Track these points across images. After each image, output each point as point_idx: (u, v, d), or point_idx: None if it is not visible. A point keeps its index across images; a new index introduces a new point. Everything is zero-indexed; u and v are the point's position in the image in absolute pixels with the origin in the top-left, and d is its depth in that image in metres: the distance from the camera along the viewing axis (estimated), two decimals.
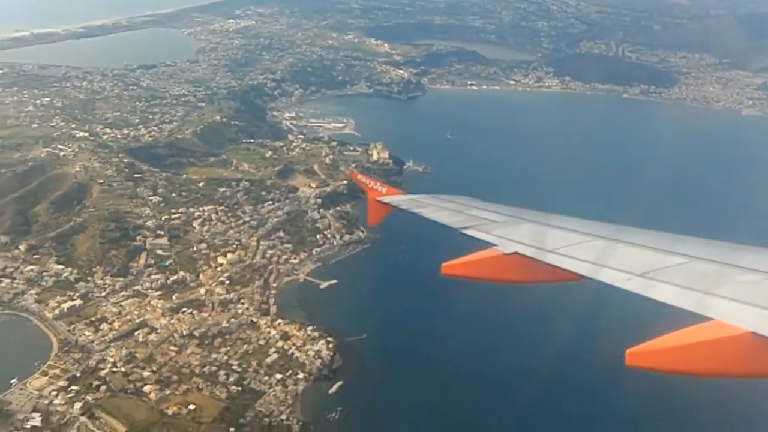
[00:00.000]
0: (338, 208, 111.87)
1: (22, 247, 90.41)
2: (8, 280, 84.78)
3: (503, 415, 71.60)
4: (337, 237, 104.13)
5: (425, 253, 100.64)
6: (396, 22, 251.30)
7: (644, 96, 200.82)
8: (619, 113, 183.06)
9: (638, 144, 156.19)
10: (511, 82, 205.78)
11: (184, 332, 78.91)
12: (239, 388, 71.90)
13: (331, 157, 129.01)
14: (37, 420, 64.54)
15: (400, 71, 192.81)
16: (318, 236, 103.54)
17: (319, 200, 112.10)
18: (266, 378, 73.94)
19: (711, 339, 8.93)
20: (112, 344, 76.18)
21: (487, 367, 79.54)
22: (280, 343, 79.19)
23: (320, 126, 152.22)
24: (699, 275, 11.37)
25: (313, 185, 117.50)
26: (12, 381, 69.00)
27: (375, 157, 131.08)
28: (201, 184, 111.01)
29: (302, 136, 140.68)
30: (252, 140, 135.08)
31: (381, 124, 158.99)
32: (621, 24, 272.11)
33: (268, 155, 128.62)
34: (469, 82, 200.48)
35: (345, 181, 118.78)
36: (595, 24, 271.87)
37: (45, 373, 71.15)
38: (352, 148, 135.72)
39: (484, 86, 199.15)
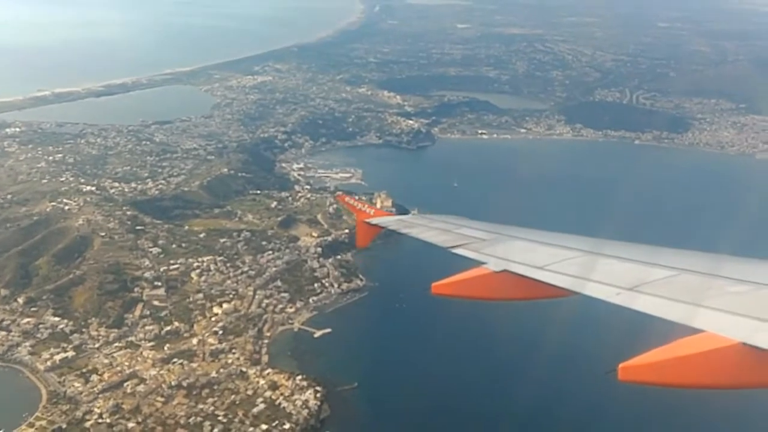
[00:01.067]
0: (338, 257, 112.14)
1: (20, 300, 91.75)
2: (4, 333, 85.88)
3: None
4: (335, 285, 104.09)
5: (424, 302, 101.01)
6: (410, 74, 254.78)
7: (657, 142, 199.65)
8: (628, 158, 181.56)
9: (644, 185, 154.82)
10: (522, 130, 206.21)
11: (173, 383, 78.78)
12: None
13: (334, 206, 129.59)
14: None
15: (410, 122, 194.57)
16: (316, 285, 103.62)
17: (319, 249, 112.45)
18: (251, 429, 73.29)
19: (703, 351, 8.97)
20: (100, 395, 76.35)
21: (484, 409, 78.55)
22: (268, 393, 78.62)
23: (327, 176, 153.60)
24: (688, 287, 11.42)
25: (315, 234, 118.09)
26: None
27: (379, 205, 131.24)
28: (202, 235, 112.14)
29: (308, 187, 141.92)
30: (258, 191, 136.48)
31: (389, 173, 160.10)
32: (636, 72, 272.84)
33: (272, 206, 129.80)
34: (479, 131, 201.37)
35: (347, 230, 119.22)
36: (609, 72, 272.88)
37: (32, 425, 71.50)
38: (357, 198, 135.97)
39: (495, 135, 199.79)
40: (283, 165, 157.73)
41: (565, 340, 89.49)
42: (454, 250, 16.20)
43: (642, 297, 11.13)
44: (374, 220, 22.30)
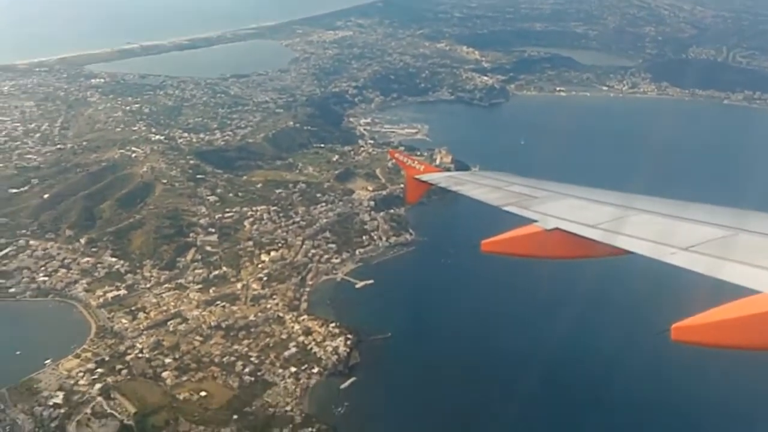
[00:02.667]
0: (391, 211, 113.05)
1: (82, 240, 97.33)
2: (64, 270, 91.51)
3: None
4: (383, 239, 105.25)
5: (471, 259, 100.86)
6: (492, 29, 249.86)
7: (747, 102, 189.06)
8: (712, 118, 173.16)
9: (724, 147, 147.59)
10: (604, 88, 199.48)
11: (212, 324, 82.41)
12: (252, 379, 74.33)
13: (393, 161, 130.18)
14: (59, 398, 69.50)
15: (485, 78, 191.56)
16: (364, 237, 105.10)
17: (372, 203, 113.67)
18: (280, 370, 75.98)
19: (760, 312, 8.76)
20: (144, 332, 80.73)
21: (518, 369, 77.90)
22: (301, 338, 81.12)
23: (393, 132, 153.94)
24: (744, 247, 11.28)
25: (370, 188, 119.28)
26: (46, 361, 74.50)
27: (438, 161, 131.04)
28: (259, 186, 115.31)
29: (372, 142, 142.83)
30: (322, 145, 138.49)
31: (456, 130, 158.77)
32: (737, 28, 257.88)
33: (333, 159, 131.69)
34: (557, 88, 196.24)
35: (401, 185, 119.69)
36: (707, 28, 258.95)
37: (78, 356, 76.29)
38: (418, 153, 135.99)
39: (574, 92, 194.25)
40: (351, 120, 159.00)
41: (613, 299, 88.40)
42: (505, 208, 16.15)
43: (697, 257, 11.05)
44: (424, 177, 22.11)
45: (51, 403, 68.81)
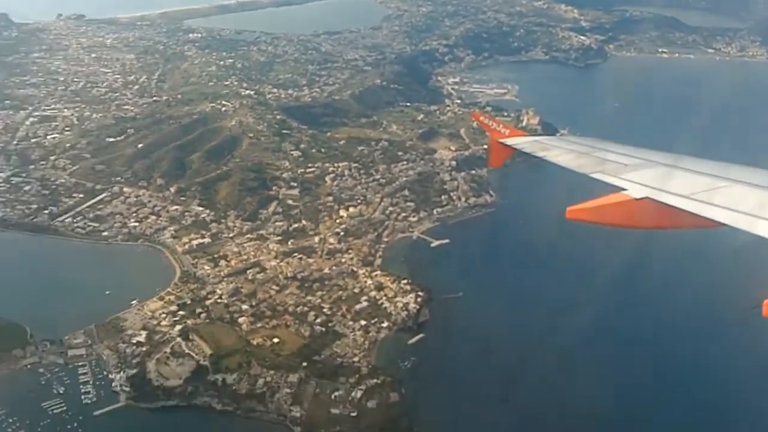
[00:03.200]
0: (472, 171, 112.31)
1: (172, 189, 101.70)
2: (154, 217, 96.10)
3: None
4: (463, 199, 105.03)
5: (551, 224, 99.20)
6: None
7: None
8: None
9: None
10: (710, 50, 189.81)
11: (289, 274, 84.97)
12: (323, 329, 76.61)
13: (478, 123, 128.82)
14: (141, 337, 73.77)
15: (583, 38, 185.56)
16: (443, 197, 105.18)
17: (454, 163, 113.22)
18: (351, 323, 77.93)
19: None
20: (224, 279, 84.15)
21: (590, 341, 76.61)
22: (373, 293, 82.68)
23: (481, 92, 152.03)
24: None
25: (453, 148, 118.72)
26: (132, 302, 79.09)
27: (525, 123, 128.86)
28: (342, 142, 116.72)
29: (459, 101, 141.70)
30: (408, 104, 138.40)
31: (547, 91, 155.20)
32: None
33: (419, 118, 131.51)
34: (659, 50, 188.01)
35: (485, 146, 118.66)
36: None
37: (162, 298, 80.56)
38: (505, 114, 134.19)
39: (677, 54, 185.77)
40: (439, 78, 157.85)
41: (702, 272, 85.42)
42: (592, 175, 15.93)
43: None
44: (508, 141, 21.64)
45: (134, 341, 73.23)
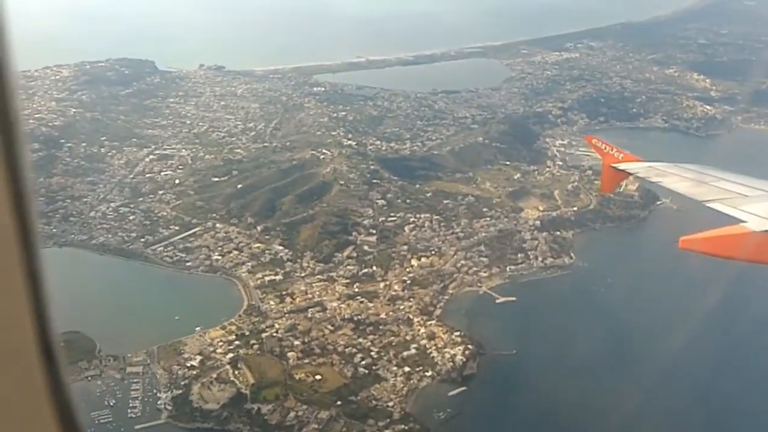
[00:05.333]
0: (557, 233, 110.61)
1: (258, 228, 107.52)
2: (237, 252, 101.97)
3: None
4: (539, 259, 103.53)
5: (629, 291, 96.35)
6: (733, 57, 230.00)
7: None
8: None
9: None
10: None
11: (346, 316, 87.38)
12: (366, 371, 78.06)
13: (576, 184, 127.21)
14: (196, 361, 78.42)
15: (708, 107, 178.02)
16: (519, 255, 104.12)
17: (538, 222, 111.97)
18: (395, 368, 78.90)
19: None
20: (286, 315, 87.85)
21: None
22: (423, 342, 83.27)
23: (587, 155, 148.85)
24: None
25: (541, 208, 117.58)
26: (197, 328, 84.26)
27: (623, 188, 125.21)
28: (429, 195, 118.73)
29: (560, 164, 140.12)
30: (508, 162, 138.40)
31: (660, 158, 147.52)
32: None
33: (515, 177, 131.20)
34: None
35: (575, 208, 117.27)
36: None
37: (224, 327, 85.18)
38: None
39: None
40: (547, 140, 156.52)
41: None
42: (709, 204, 15.61)
43: None
44: (622, 165, 21.94)
45: (188, 365, 77.84)
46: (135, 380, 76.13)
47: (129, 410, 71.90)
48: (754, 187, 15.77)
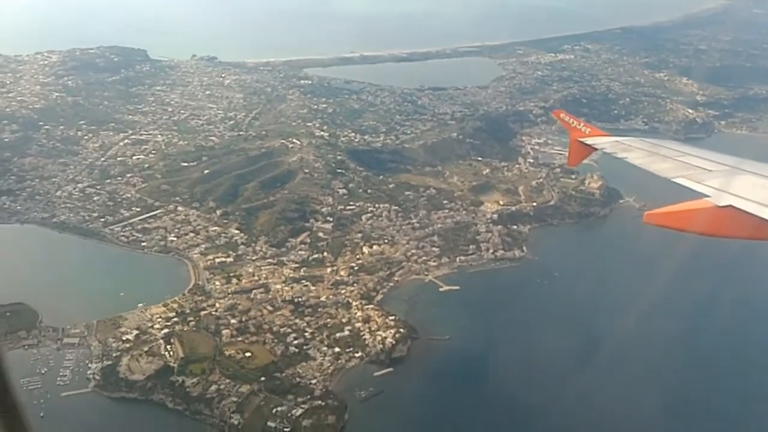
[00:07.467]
0: (514, 226, 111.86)
1: (218, 212, 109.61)
2: (193, 234, 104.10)
3: None
4: (490, 251, 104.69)
5: (572, 285, 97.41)
6: (727, 63, 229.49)
7: None
8: None
9: None
10: None
11: (287, 297, 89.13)
12: (296, 350, 79.81)
13: (540, 180, 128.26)
14: (131, 335, 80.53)
15: (690, 111, 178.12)
16: (471, 247, 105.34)
17: (495, 216, 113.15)
18: (325, 348, 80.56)
19: None
20: (229, 295, 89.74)
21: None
22: (358, 324, 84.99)
23: (561, 153, 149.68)
24: None
25: (501, 203, 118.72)
26: (139, 305, 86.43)
27: (586, 185, 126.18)
28: (392, 186, 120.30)
29: (531, 161, 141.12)
30: (480, 158, 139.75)
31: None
32: None
33: (483, 172, 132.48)
34: None
35: (534, 204, 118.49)
36: None
37: (166, 305, 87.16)
38: (573, 177, 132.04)
39: None
40: (523, 138, 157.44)
41: None
42: (675, 180, 15.88)
43: None
44: (588, 140, 22.11)
45: (124, 338, 79.98)
46: (70, 351, 78.32)
47: (59, 378, 73.95)
48: (718, 161, 16.17)
